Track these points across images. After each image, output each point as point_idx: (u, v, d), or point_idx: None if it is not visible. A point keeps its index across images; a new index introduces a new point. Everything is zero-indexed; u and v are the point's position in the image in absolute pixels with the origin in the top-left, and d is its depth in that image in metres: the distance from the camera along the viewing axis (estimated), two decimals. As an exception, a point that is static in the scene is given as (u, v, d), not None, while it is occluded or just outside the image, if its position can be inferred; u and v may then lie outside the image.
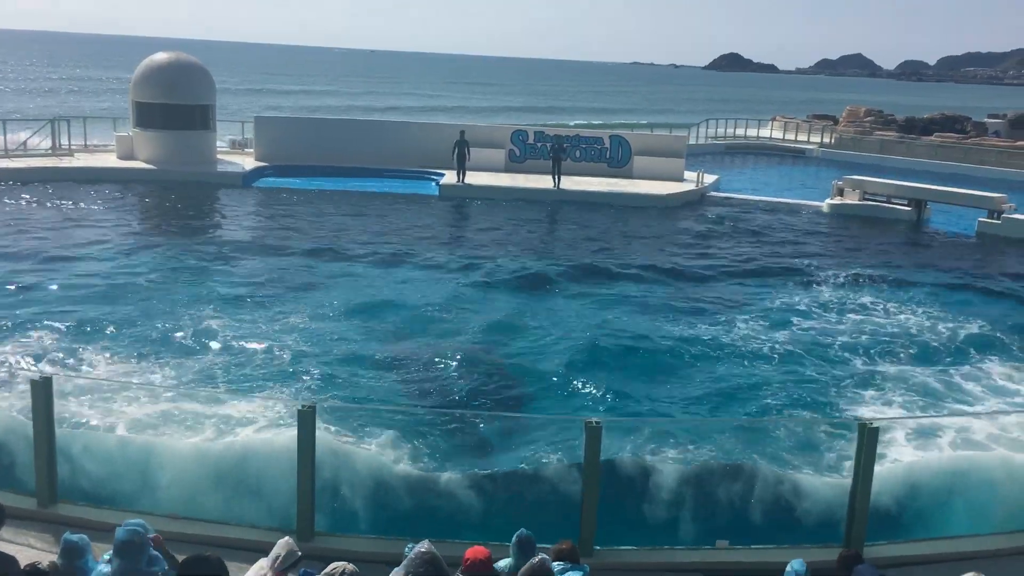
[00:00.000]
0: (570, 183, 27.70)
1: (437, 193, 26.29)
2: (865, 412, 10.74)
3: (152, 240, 18.65)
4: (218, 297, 14.50)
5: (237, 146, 30.66)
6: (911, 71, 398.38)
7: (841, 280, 17.72)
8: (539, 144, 29.71)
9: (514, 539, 5.22)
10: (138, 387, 10.17)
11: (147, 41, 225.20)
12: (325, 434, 8.23)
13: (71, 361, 11.37)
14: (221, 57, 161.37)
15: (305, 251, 18.32)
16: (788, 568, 5.44)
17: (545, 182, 27.08)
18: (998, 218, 24.22)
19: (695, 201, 27.21)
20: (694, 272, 18.09)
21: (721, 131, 45.49)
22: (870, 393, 11.55)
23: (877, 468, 7.04)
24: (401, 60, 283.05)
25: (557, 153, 27.25)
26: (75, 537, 4.97)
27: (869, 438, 6.87)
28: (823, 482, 8.44)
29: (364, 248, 18.81)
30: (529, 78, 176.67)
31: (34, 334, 12.17)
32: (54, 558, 4.96)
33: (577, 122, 54.46)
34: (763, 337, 13.70)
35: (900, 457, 9.17)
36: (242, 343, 12.27)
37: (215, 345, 12.21)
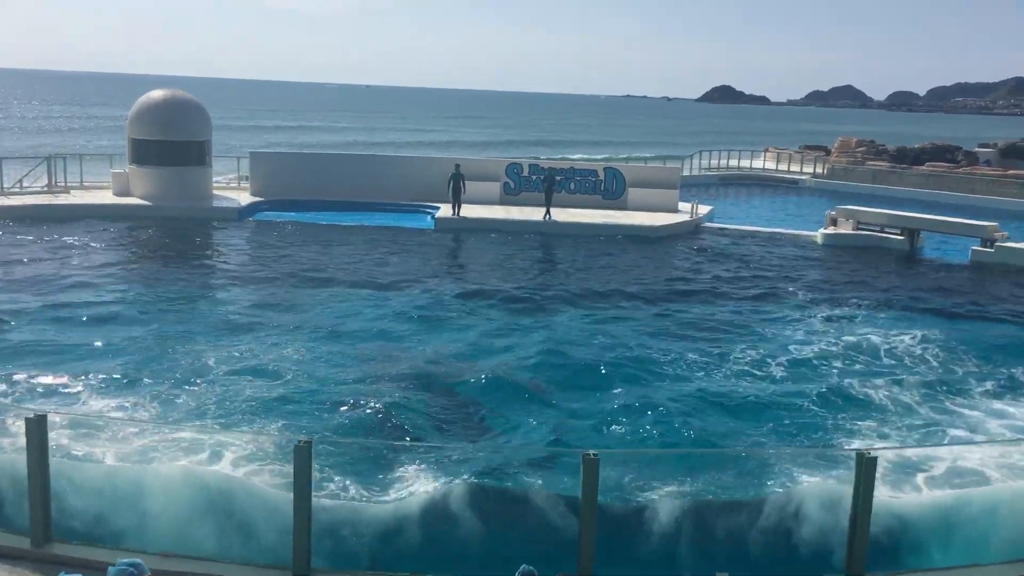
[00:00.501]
0: (564, 215, 27.78)
1: (432, 226, 26.45)
2: (862, 442, 10.67)
3: (145, 274, 18.69)
4: (212, 329, 14.47)
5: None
6: (901, 102, 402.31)
7: (836, 309, 17.73)
8: (533, 177, 29.82)
9: (517, 575, 5.21)
10: (129, 423, 10.07)
11: (144, 79, 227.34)
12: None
13: (62, 396, 11.27)
14: (217, 94, 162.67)
15: (300, 283, 18.42)
16: None
17: (540, 214, 27.18)
18: (991, 246, 24.30)
19: (690, 232, 27.30)
20: (688, 301, 18.17)
21: (715, 162, 45.78)
22: (867, 423, 11.47)
23: (877, 497, 6.98)
24: (396, 95, 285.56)
25: (549, 185, 27.37)
26: (71, 577, 4.76)
27: (867, 468, 6.83)
28: (822, 512, 8.38)
29: (359, 280, 18.83)
30: (524, 112, 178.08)
31: (23, 372, 12.09)
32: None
33: (575, 156, 54.72)
34: (758, 366, 13.68)
35: (897, 487, 9.15)
36: (236, 376, 12.22)
37: (208, 378, 12.13)
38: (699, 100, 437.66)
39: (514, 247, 24.18)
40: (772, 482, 9.28)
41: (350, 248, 22.78)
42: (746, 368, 13.63)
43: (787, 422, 11.36)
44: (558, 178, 29.15)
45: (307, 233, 24.81)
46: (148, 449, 9.55)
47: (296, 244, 23.11)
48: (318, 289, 17.96)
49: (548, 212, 27.03)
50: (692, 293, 18.80)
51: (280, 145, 64.59)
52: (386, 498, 8.73)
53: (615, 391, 12.25)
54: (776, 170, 45.31)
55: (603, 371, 12.88)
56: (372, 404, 11.31)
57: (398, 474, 9.27)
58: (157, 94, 28.02)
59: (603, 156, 54.56)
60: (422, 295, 17.72)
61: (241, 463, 9.30)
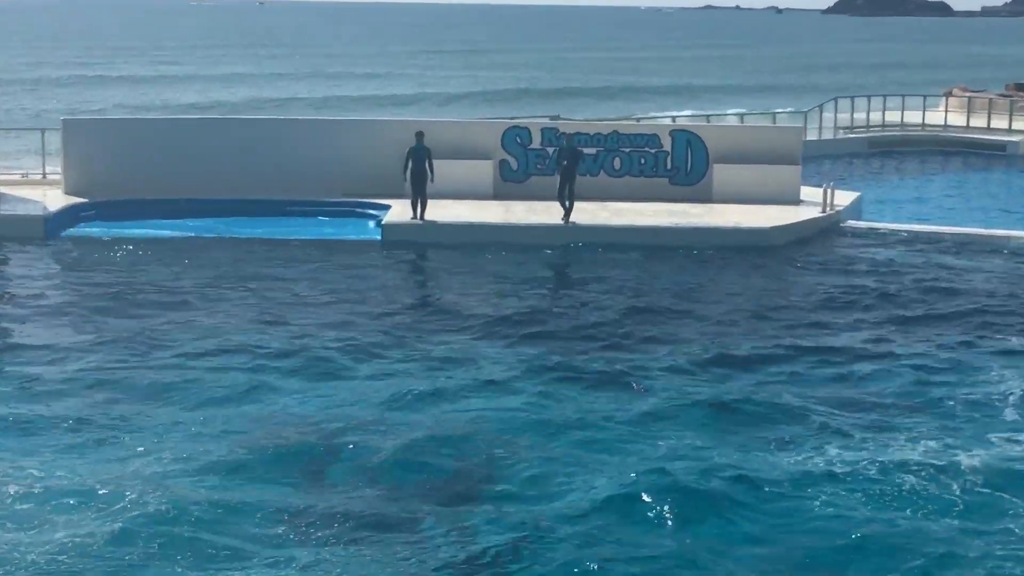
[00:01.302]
0: (604, 213, 27.99)
1: (379, 238, 26.87)
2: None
3: None
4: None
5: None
6: None
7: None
8: (551, 148, 29.96)
9: None
10: None
11: None
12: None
13: None
14: None
15: (151, 346, 18.58)
16: None
17: (562, 214, 27.23)
18: None
19: (820, 237, 27.58)
20: (823, 364, 18.33)
21: (860, 116, 45.86)
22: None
23: None
24: (310, 14, 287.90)
25: (569, 163, 27.17)
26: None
27: None
28: None
29: (250, 339, 18.93)
30: (536, 38, 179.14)
31: None
32: None
33: (619, 115, 54.81)
34: (935, 470, 13.83)
35: None
36: (43, 504, 12.48)
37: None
38: (827, 12, 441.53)
39: (517, 272, 24.43)
40: None
41: (234, 281, 23.15)
42: (908, 466, 13.90)
43: (974, 565, 11.66)
44: (587, 151, 29.10)
45: (162, 257, 25.05)
46: None
47: (142, 278, 23.24)
48: (179, 353, 18.12)
49: (567, 209, 27.08)
50: (832, 352, 18.98)
51: (116, 108, 64.74)
52: None
53: (668, 521, 12.64)
54: (966, 127, 45.45)
55: (649, 492, 13.16)
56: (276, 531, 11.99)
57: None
58: None
59: (668, 113, 54.47)
60: (353, 358, 18.01)
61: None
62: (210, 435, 14.72)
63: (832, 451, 14.54)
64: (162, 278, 23.33)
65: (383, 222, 27.25)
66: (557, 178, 27.29)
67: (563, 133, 29.24)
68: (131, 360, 17.96)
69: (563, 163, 27.07)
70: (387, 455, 14.17)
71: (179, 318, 20.34)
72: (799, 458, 14.32)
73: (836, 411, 16.01)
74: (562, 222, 26.97)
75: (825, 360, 18.58)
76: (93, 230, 27.32)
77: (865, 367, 18.14)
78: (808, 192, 29.95)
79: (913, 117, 46.65)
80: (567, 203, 26.97)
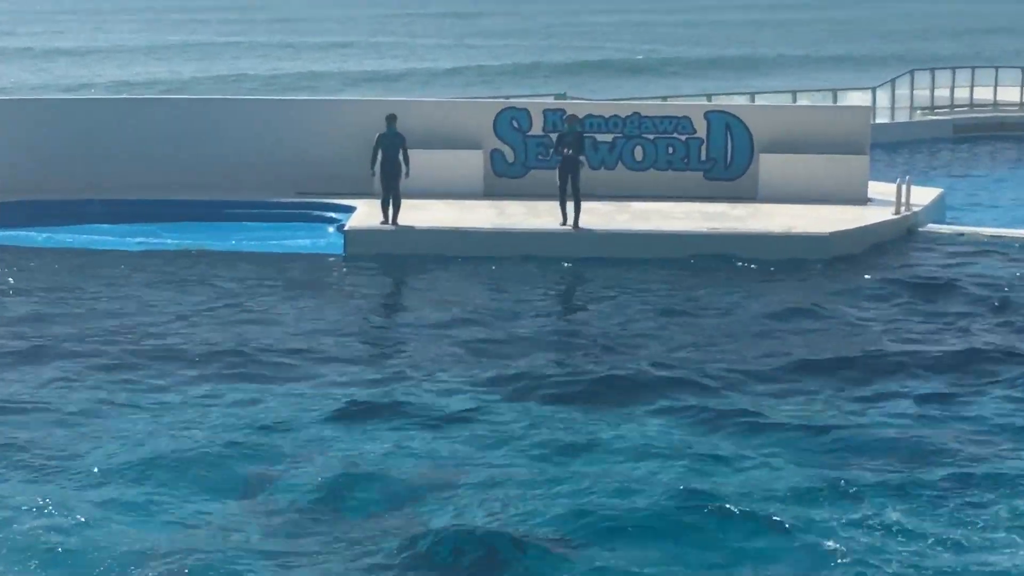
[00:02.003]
0: (623, 216, 28.21)
1: (341, 250, 27.16)
2: None
3: None
4: None
5: None
6: None
7: None
8: (554, 134, 29.70)
9: None
10: None
11: None
12: None
13: None
14: None
15: (65, 383, 18.73)
16: None
17: (569, 216, 27.24)
18: None
19: (895, 242, 27.78)
20: (900, 404, 18.35)
21: (941, 94, 45.77)
22: None
23: None
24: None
25: (572, 151, 26.95)
26: None
27: None
28: None
29: (188, 372, 19.18)
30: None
31: None
32: None
33: (639, 94, 54.78)
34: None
35: None
36: None
37: None
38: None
39: (515, 289, 24.55)
40: None
41: (167, 301, 23.32)
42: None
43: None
44: (602, 138, 29.16)
45: (81, 271, 25.34)
46: None
47: (54, 299, 23.38)
48: (96, 390, 18.29)
49: (570, 208, 27.01)
50: (916, 384, 18.96)
51: (11, 87, 64.79)
52: None
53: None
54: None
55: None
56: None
57: None
58: None
59: (700, 91, 54.10)
60: (313, 393, 18.25)
61: None
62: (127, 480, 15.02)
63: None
64: (63, 302, 23.35)
65: (346, 227, 27.39)
66: (556, 172, 27.24)
67: (570, 115, 29.15)
68: (39, 361, 18.71)
69: (564, 151, 26.87)
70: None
71: (76, 354, 20.25)
72: None
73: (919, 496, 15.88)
74: (568, 227, 27.00)
75: (893, 384, 18.54)
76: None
77: (939, 402, 18.14)
78: (877, 188, 30.00)
79: (1009, 95, 46.57)
80: (574, 202, 26.92)
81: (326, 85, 66.77)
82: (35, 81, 69.86)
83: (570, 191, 26.90)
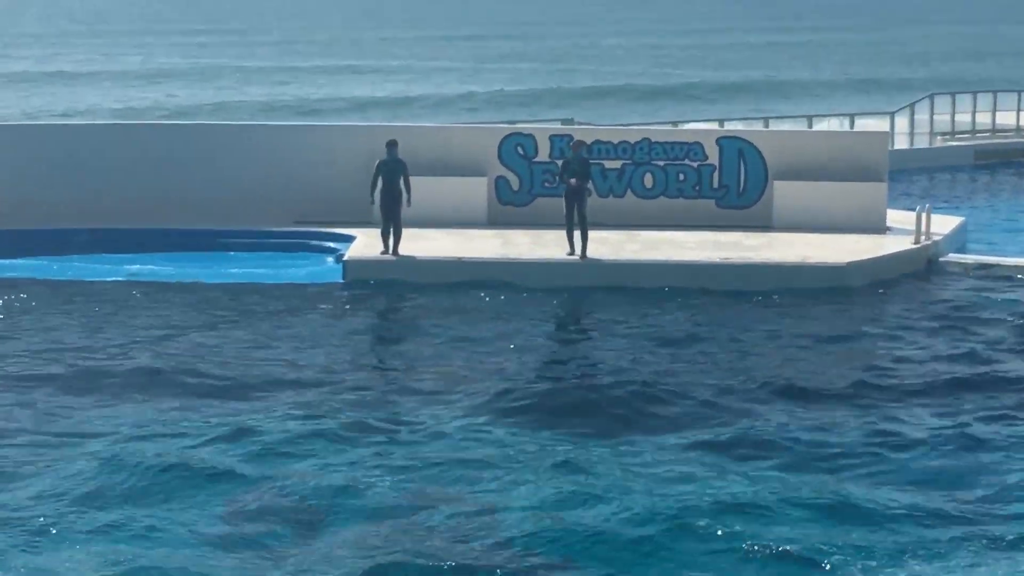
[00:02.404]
0: (633, 245, 28.24)
1: (340, 276, 27.21)
2: None
3: None
4: None
5: None
6: None
7: None
8: (559, 162, 29.76)
9: None
10: None
11: None
12: None
13: None
14: None
15: (36, 422, 18.79)
16: None
17: (577, 246, 27.18)
18: None
19: (914, 274, 27.70)
20: (921, 433, 18.41)
21: (962, 118, 45.58)
22: None
23: None
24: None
25: (578, 179, 26.90)
26: None
27: None
28: None
29: (164, 424, 18.87)
30: (546, 16, 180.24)
31: None
32: None
33: (650, 119, 54.57)
34: None
35: None
36: None
37: None
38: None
39: (519, 323, 24.48)
40: None
41: (155, 336, 23.28)
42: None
43: None
44: (610, 165, 29.08)
45: (61, 304, 25.40)
46: None
47: (31, 334, 23.47)
48: (77, 426, 18.17)
49: (577, 238, 27.01)
50: (943, 428, 18.65)
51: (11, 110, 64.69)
52: None
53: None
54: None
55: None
56: None
57: None
58: None
59: (710, 117, 53.67)
60: (311, 431, 18.15)
61: None
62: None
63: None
64: (51, 336, 23.43)
65: (345, 257, 27.35)
66: (562, 200, 27.23)
67: (576, 141, 29.02)
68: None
69: (570, 180, 26.83)
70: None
71: (69, 391, 20.24)
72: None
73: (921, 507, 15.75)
74: (576, 257, 26.89)
75: (921, 426, 18.40)
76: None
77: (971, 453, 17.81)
78: (896, 217, 29.84)
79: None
80: (581, 231, 26.86)
81: (329, 112, 66.61)
82: (30, 106, 69.93)
83: (576, 219, 26.86)
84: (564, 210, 26.98)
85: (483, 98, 77.75)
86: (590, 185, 27.29)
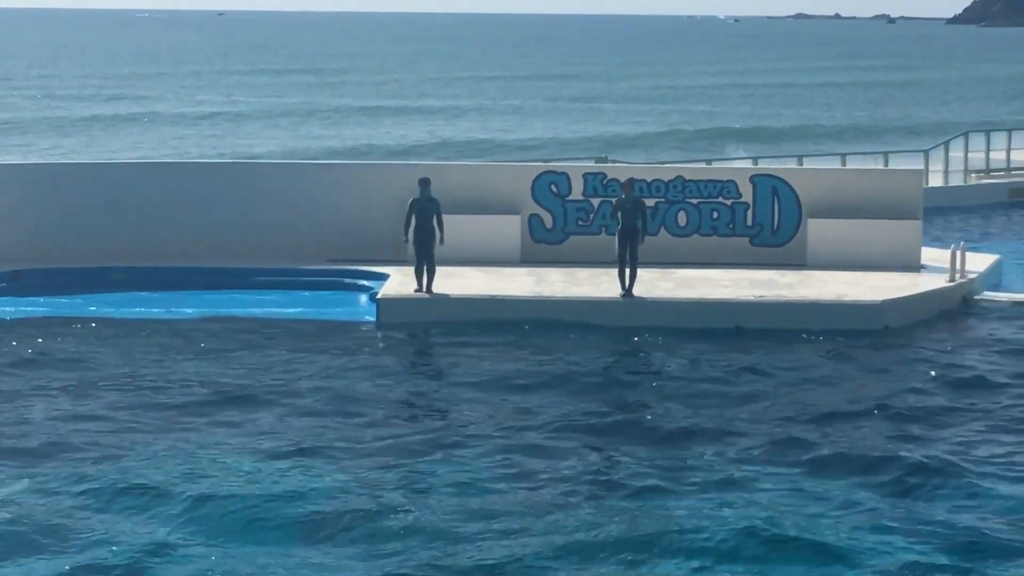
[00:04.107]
0: (666, 283, 28.20)
1: (374, 316, 27.21)
2: None
3: None
4: None
5: None
6: None
7: None
8: (595, 199, 30.07)
9: None
10: None
11: None
12: None
13: None
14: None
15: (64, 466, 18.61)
16: None
17: (609, 283, 27.21)
18: None
19: (950, 313, 27.65)
20: (966, 478, 18.12)
21: (997, 156, 45.67)
22: None
23: None
24: (278, 26, 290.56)
25: (629, 219, 26.89)
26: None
27: None
28: None
29: (195, 464, 18.79)
30: (567, 50, 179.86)
31: None
32: None
33: (687, 158, 54.78)
34: None
35: None
36: None
37: None
38: (953, 21, 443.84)
39: (557, 364, 24.34)
40: None
41: (182, 379, 23.17)
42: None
43: None
44: (643, 198, 28.86)
45: (89, 342, 25.44)
46: None
47: (56, 372, 23.48)
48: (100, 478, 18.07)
49: (628, 278, 26.97)
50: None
51: (26, 147, 65.02)
52: None
53: None
54: None
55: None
56: None
57: None
58: None
59: (746, 155, 53.90)
60: (341, 478, 18.12)
61: None
62: None
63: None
64: (84, 373, 23.43)
65: (379, 296, 27.36)
66: (615, 240, 27.03)
67: (624, 180, 28.77)
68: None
69: (622, 220, 26.85)
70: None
71: (97, 432, 20.26)
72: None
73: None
74: (619, 297, 26.94)
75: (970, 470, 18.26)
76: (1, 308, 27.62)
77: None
78: (931, 255, 29.89)
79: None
80: (631, 270, 26.77)
81: (332, 147, 66.84)
82: (68, 147, 70.15)
83: (628, 259, 26.80)
84: (617, 249, 26.82)
85: (506, 144, 77.17)
86: (643, 225, 27.18)
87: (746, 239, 30.20)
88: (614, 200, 28.56)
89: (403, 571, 15.04)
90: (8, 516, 16.78)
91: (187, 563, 15.37)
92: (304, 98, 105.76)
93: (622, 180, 28.88)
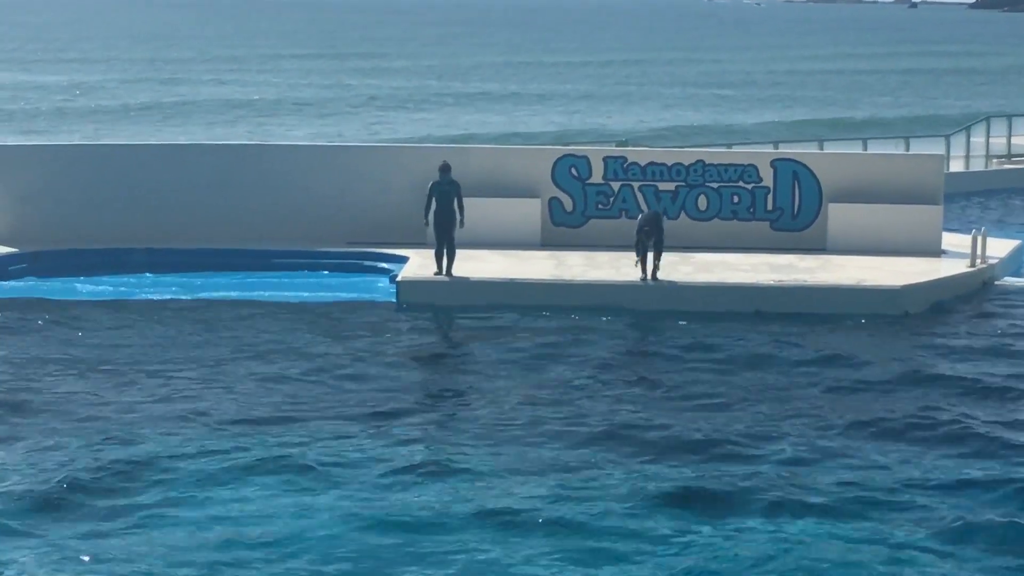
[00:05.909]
0: (686, 267, 28.23)
1: (394, 298, 27.31)
2: None
3: None
4: None
5: None
6: None
7: None
8: (616, 183, 30.14)
9: None
10: None
11: None
12: None
13: None
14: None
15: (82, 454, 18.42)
16: None
17: (628, 267, 27.19)
18: None
19: (969, 297, 27.70)
20: (983, 466, 18.09)
21: (1019, 141, 45.76)
22: None
23: None
24: (312, 6, 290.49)
25: (650, 231, 26.65)
26: None
27: None
28: None
29: (214, 442, 18.94)
30: (590, 31, 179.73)
31: None
32: None
33: (705, 141, 54.62)
34: None
35: None
36: None
37: None
38: (975, 6, 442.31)
39: (576, 348, 24.29)
40: None
41: (207, 361, 23.27)
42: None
43: None
44: (664, 186, 29.36)
45: (112, 325, 25.44)
46: None
47: (80, 353, 23.43)
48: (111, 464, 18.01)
49: (651, 263, 26.96)
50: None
51: (52, 131, 64.97)
52: None
53: None
54: None
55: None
56: None
57: None
58: None
59: (765, 140, 53.65)
60: (358, 467, 18.01)
61: None
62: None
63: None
64: (107, 353, 23.61)
65: (399, 278, 27.46)
66: (637, 225, 27.03)
67: (645, 166, 29.00)
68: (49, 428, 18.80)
69: (644, 229, 26.72)
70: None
71: (120, 405, 20.55)
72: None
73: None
74: (643, 280, 26.91)
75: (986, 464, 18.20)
76: (17, 287, 27.81)
77: None
78: (951, 240, 29.95)
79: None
80: (655, 254, 26.77)
81: (364, 129, 66.66)
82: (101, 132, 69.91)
83: (649, 247, 26.74)
84: (637, 234, 26.63)
85: (530, 129, 76.61)
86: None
87: (766, 223, 30.23)
88: (637, 184, 29.23)
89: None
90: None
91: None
92: (366, 85, 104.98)
93: (636, 163, 29.15)
